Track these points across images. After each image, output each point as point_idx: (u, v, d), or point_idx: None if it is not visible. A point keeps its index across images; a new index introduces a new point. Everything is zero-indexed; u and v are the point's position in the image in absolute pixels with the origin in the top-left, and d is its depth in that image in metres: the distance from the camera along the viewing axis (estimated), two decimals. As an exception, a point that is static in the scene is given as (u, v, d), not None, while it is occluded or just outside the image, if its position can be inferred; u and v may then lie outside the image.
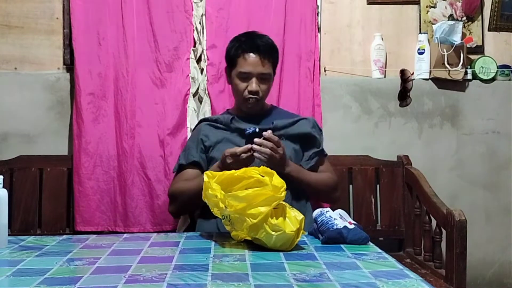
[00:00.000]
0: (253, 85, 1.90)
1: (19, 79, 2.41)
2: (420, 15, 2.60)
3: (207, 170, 1.72)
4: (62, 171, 2.36)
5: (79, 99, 2.31)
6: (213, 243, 1.50)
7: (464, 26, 2.60)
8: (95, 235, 1.67)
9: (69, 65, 2.42)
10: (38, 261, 1.31)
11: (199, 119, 2.38)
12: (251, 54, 1.90)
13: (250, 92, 1.91)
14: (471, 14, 2.63)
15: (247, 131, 1.72)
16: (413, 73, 2.54)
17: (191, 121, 2.37)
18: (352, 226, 1.48)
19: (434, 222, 2.15)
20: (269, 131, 1.72)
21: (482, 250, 2.61)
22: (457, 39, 2.51)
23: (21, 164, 2.33)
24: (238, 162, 1.68)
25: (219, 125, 1.98)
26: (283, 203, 1.44)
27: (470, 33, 2.64)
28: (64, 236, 1.64)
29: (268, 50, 1.93)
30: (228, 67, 2.00)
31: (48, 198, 2.34)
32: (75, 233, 2.27)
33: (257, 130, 1.71)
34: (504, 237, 2.64)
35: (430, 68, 2.56)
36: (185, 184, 1.89)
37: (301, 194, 1.89)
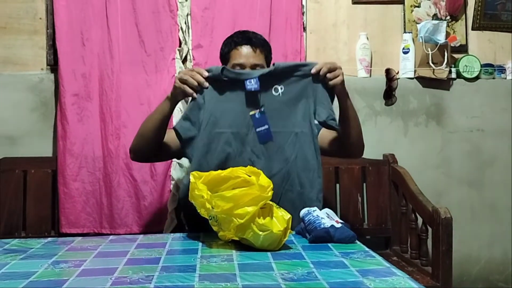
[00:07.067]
0: None
1: (1, 80, 2.38)
2: (404, 14, 2.62)
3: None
4: (47, 173, 2.33)
5: (63, 100, 2.29)
6: (200, 243, 1.49)
7: (448, 25, 2.62)
8: (80, 237, 1.65)
9: (53, 65, 2.39)
10: (23, 264, 1.29)
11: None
12: (243, 46, 1.87)
13: None
14: (454, 13, 2.65)
15: (248, 87, 1.63)
16: (398, 72, 2.56)
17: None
18: (339, 225, 1.49)
19: (420, 220, 2.16)
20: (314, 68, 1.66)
21: (468, 247, 2.64)
22: (441, 38, 2.53)
23: (4, 166, 2.30)
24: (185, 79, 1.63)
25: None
26: (270, 202, 1.43)
27: (454, 32, 2.66)
28: (49, 239, 1.62)
29: (260, 43, 1.90)
30: (223, 64, 1.92)
31: (32, 200, 2.31)
32: (60, 235, 2.24)
33: (258, 85, 1.62)
34: (490, 234, 2.67)
35: (414, 67, 2.58)
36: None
37: (311, 162, 1.74)
